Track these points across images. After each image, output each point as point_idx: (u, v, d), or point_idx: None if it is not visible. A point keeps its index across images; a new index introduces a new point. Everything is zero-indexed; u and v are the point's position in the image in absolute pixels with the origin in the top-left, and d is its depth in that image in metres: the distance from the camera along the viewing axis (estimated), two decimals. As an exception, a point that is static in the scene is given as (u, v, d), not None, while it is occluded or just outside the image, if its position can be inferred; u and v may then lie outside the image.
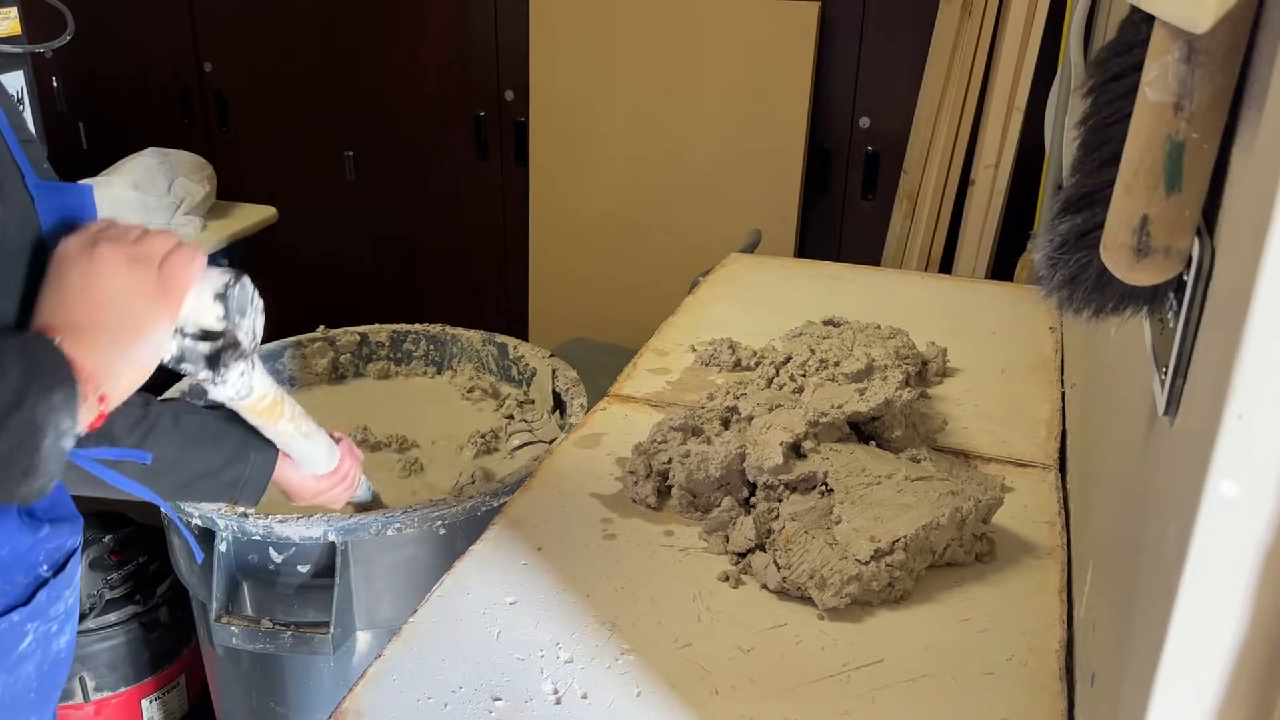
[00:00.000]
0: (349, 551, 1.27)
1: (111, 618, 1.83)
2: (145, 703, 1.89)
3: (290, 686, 1.38)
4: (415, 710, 0.90)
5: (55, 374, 0.72)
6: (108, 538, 1.87)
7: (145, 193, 2.00)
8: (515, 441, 1.55)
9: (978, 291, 1.90)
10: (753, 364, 1.48)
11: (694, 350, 1.56)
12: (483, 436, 1.54)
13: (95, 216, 1.00)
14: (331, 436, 1.12)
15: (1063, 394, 1.47)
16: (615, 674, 0.94)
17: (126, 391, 0.77)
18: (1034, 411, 1.42)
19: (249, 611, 1.31)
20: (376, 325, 1.78)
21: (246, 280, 0.85)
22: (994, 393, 1.47)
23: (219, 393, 0.88)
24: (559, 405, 1.61)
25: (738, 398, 1.27)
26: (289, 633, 1.26)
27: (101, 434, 0.96)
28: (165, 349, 0.80)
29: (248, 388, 0.90)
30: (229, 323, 0.83)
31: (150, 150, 2.08)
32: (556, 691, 0.92)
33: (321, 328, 1.75)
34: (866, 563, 1.00)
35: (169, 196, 2.03)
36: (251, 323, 0.85)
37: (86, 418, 0.73)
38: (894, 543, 1.01)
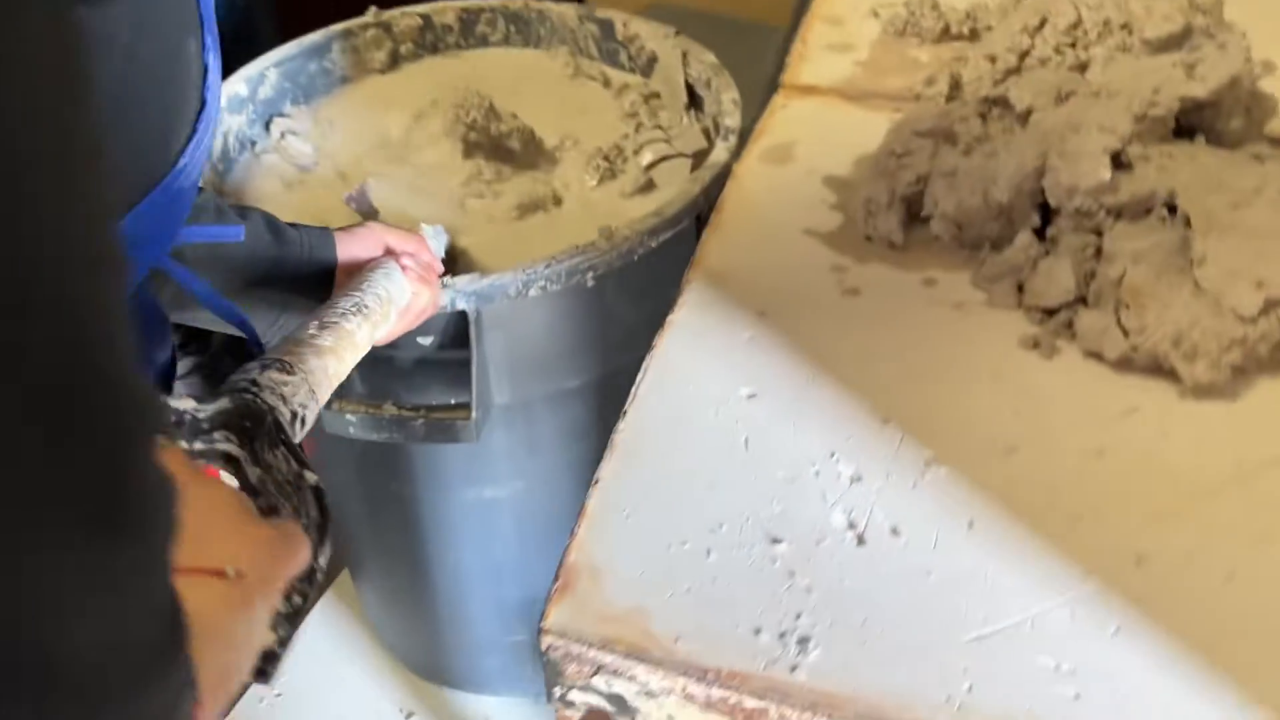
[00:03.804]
0: (482, 319, 0.99)
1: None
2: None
3: (416, 464, 1.15)
4: (669, 560, 0.66)
5: None
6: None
7: None
8: (648, 155, 1.21)
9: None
10: (965, 30, 1.12)
11: (877, 15, 1.19)
12: (605, 158, 1.20)
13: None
14: (399, 261, 0.85)
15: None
16: (927, 497, 0.69)
17: None
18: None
19: (360, 391, 1.05)
20: (441, 3, 1.38)
21: None
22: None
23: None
24: (694, 101, 1.26)
25: (996, 82, 0.92)
26: (420, 419, 1.01)
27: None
28: None
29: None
30: None
31: None
32: (853, 526, 0.67)
33: (372, 10, 1.36)
34: (1254, 319, 0.72)
35: None
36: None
37: None
38: (1290, 289, 0.72)
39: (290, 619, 0.49)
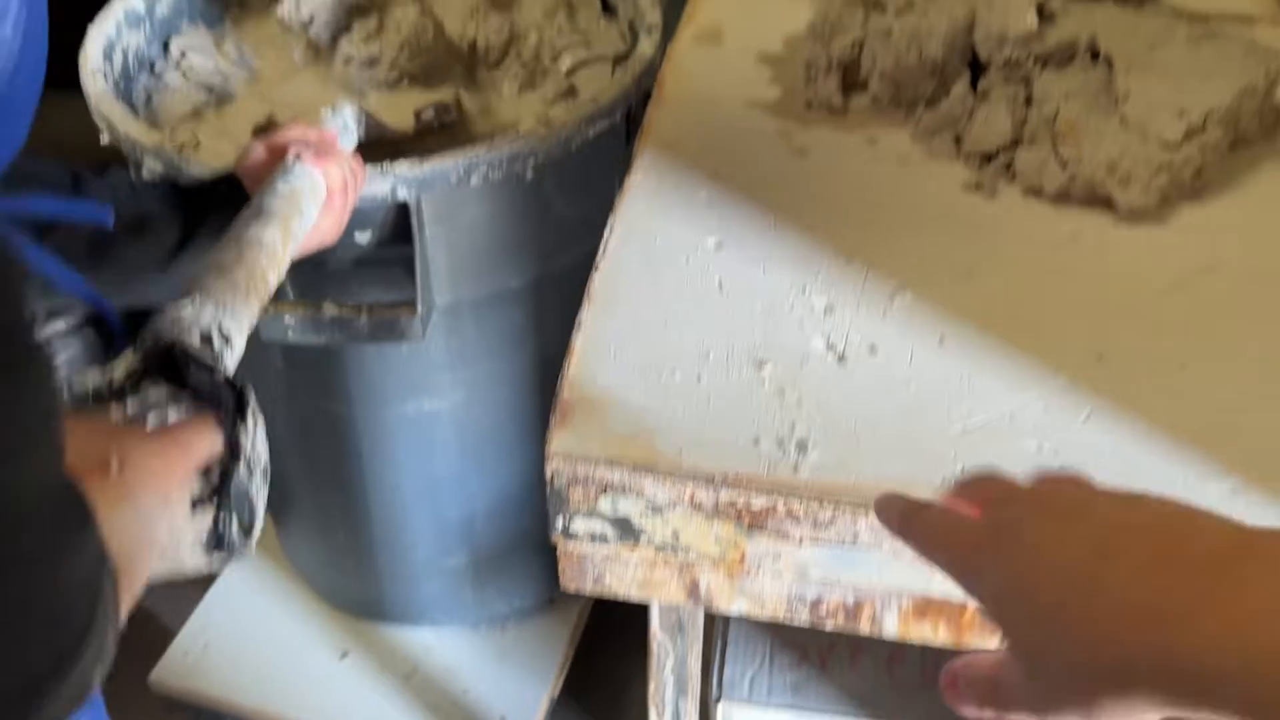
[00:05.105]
0: (423, 210, 0.97)
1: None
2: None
3: (350, 378, 1.12)
4: (662, 387, 0.67)
5: None
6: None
7: None
8: (568, 61, 1.21)
9: None
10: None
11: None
12: (521, 64, 1.19)
13: None
14: (292, 152, 0.77)
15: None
16: (897, 320, 0.72)
17: None
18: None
19: (290, 297, 1.02)
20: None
21: None
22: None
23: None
24: (607, 6, 1.27)
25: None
26: (363, 317, 0.99)
27: None
28: None
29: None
30: None
31: None
32: (833, 348, 0.70)
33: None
34: (1178, 145, 0.77)
35: None
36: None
37: None
38: (1206, 116, 0.78)
39: (216, 494, 0.51)
